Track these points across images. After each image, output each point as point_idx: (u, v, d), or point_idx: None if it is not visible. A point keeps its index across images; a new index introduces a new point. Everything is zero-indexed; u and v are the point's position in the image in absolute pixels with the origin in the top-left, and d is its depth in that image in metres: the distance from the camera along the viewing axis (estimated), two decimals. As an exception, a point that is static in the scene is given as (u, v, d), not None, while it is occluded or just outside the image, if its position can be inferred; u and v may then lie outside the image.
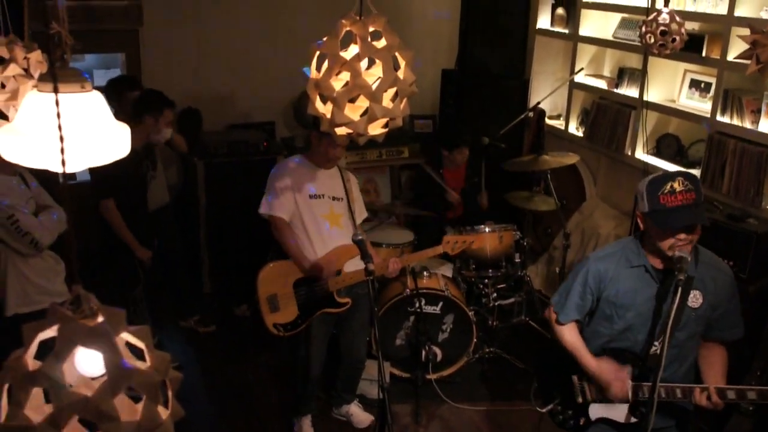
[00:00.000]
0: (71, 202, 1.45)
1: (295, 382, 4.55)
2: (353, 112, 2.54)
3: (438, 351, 5.07)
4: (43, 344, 1.11)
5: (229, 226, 5.98)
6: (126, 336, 1.10)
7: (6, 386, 1.05)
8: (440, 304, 5.02)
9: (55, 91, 1.26)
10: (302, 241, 4.19)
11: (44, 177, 3.78)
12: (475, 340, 5.14)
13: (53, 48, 1.53)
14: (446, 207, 5.88)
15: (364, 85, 2.46)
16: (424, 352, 4.91)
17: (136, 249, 4.76)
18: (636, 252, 3.00)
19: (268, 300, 4.18)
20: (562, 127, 6.85)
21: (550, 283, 6.51)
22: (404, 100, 2.61)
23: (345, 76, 2.53)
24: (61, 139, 1.19)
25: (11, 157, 1.60)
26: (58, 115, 1.21)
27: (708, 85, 5.44)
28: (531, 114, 6.64)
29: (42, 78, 1.64)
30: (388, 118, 2.57)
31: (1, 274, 3.65)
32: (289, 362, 5.08)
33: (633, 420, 3.02)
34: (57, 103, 1.23)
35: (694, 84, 5.61)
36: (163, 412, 1.12)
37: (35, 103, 1.55)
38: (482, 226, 5.25)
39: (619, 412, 3.06)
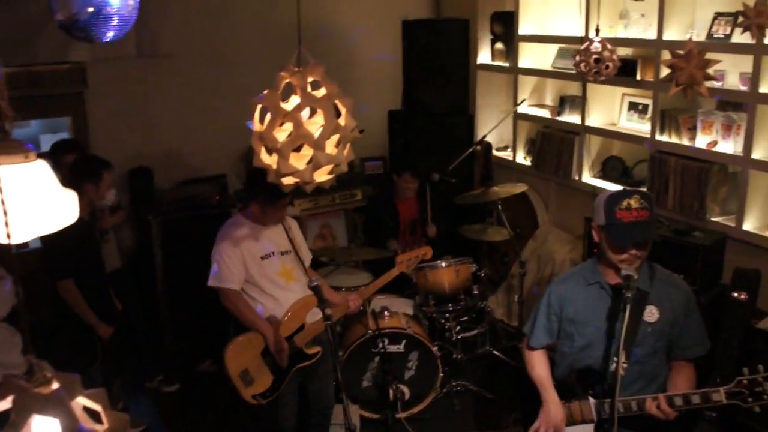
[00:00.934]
0: (23, 271, 1.47)
1: None
2: (298, 161, 2.59)
3: (405, 389, 5.08)
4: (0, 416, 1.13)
5: (187, 281, 5.92)
6: (82, 400, 1.11)
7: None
8: (403, 342, 5.04)
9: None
10: (267, 305, 4.13)
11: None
12: (441, 374, 5.17)
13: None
14: (395, 229, 5.97)
15: (307, 134, 2.52)
16: (391, 392, 4.91)
17: (98, 327, 4.55)
18: (592, 270, 3.10)
19: (241, 376, 4.07)
20: (510, 158, 6.97)
21: (511, 311, 6.58)
22: (348, 146, 2.66)
23: (288, 126, 2.58)
24: (5, 212, 1.21)
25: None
26: (0, 189, 1.23)
27: (645, 106, 5.60)
28: (478, 148, 6.74)
29: (-16, 152, 1.66)
30: (333, 165, 2.63)
31: None
32: (259, 417, 5.04)
33: None
34: (-1, 179, 1.25)
35: (633, 106, 5.77)
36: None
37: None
38: (438, 261, 5.31)
39: (587, 433, 3.11)
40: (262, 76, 2.99)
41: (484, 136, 6.59)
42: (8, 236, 1.26)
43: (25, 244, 5.05)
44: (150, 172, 6.30)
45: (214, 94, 6.60)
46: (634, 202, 2.88)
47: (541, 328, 3.24)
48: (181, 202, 5.99)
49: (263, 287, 4.11)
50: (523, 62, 6.61)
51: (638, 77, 5.35)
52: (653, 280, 2.98)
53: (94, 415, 1.14)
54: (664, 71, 5.04)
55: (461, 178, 6.42)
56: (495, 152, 7.06)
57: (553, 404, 3.12)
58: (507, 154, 7.09)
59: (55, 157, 5.09)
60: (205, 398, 5.54)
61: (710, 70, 4.30)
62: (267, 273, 4.11)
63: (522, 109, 6.69)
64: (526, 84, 6.74)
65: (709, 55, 4.33)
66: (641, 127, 5.64)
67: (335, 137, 2.59)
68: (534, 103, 6.74)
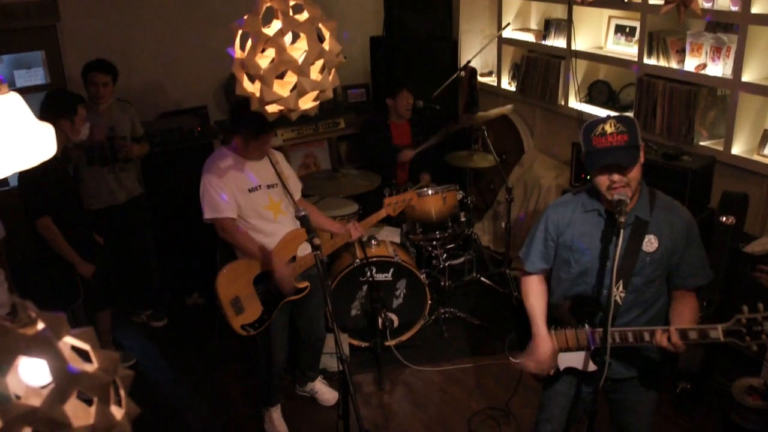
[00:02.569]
0: (3, 210, 1.41)
1: (260, 373, 4.44)
2: (282, 88, 2.51)
3: (394, 317, 5.10)
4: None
5: (171, 215, 5.89)
6: (70, 340, 1.07)
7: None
8: (391, 270, 5.04)
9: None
10: (257, 238, 4.07)
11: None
12: (429, 302, 5.18)
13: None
14: (393, 163, 5.92)
15: (291, 60, 2.43)
16: (380, 320, 4.95)
17: (78, 264, 4.48)
18: (590, 196, 3.05)
19: (232, 303, 4.03)
20: (495, 84, 6.90)
21: (498, 238, 6.59)
22: (333, 71, 2.59)
23: (270, 52, 2.49)
24: None
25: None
26: None
27: (633, 29, 5.52)
28: (462, 73, 6.65)
29: (-45, 85, 1.59)
30: (318, 91, 2.55)
31: None
32: (247, 350, 5.06)
33: (593, 368, 3.07)
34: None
35: (620, 29, 5.69)
36: (118, 412, 1.10)
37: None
38: (425, 189, 5.28)
39: (582, 361, 3.11)
40: (239, 4, 2.88)
41: (469, 62, 6.48)
42: None
43: (5, 182, 5.00)
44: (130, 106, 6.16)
45: (192, 24, 6.43)
46: (609, 127, 2.81)
47: (537, 253, 3.20)
48: (162, 134, 5.87)
49: (251, 220, 4.05)
50: (507, -16, 6.49)
51: (626, -2, 5.25)
52: (653, 208, 2.93)
53: (82, 355, 1.10)
54: (653, -9, 4.97)
55: (445, 105, 6.34)
56: (479, 78, 6.96)
57: (541, 338, 3.10)
58: (491, 80, 7.01)
59: (86, 78, 5.16)
60: (193, 332, 5.54)
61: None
62: (254, 206, 4.06)
63: (506, 33, 6.59)
64: (511, 7, 6.63)
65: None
66: (628, 50, 5.56)
67: (319, 63, 2.51)
68: (518, 27, 6.63)
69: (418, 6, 6.73)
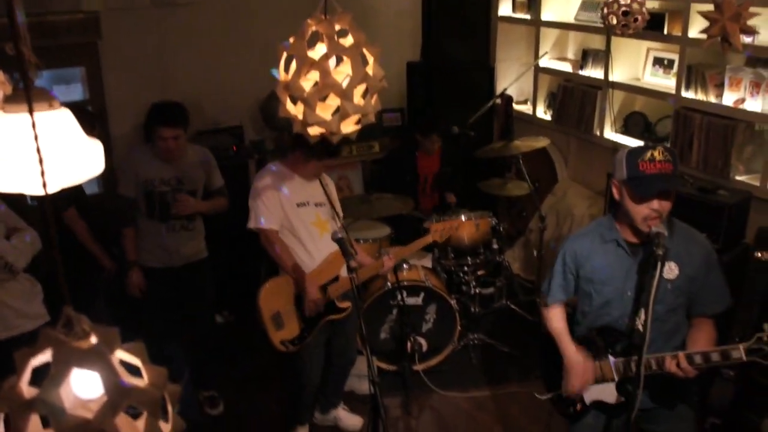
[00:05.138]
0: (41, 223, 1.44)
1: (292, 391, 4.47)
2: (325, 111, 2.54)
3: (423, 341, 5.09)
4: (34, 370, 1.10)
5: (207, 232, 5.92)
6: (121, 354, 1.09)
7: (2, 416, 1.04)
8: (422, 295, 5.04)
9: (30, 112, 1.24)
10: (298, 253, 4.12)
11: (9, 199, 3.70)
12: (459, 328, 5.17)
13: (21, 68, 1.51)
14: (411, 184, 5.94)
15: (334, 83, 2.46)
16: (409, 344, 4.94)
17: (102, 257, 4.53)
18: (609, 227, 3.06)
19: (273, 319, 4.07)
20: (530, 112, 6.89)
21: (529, 266, 6.56)
22: (375, 96, 2.61)
23: (314, 75, 2.52)
24: (41, 161, 1.18)
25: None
26: (36, 137, 1.19)
27: (671, 61, 5.50)
28: (498, 101, 6.66)
29: (9, 99, 1.61)
30: (360, 115, 2.58)
31: None
32: (276, 369, 5.07)
33: (619, 400, 3.05)
34: (33, 125, 1.21)
35: (658, 61, 5.67)
36: (164, 427, 1.12)
37: (4, 126, 1.52)
38: (458, 215, 5.28)
39: (609, 394, 3.09)
40: (279, 27, 2.92)
41: (505, 90, 6.49)
42: (44, 186, 1.22)
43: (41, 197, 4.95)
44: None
45: (231, 44, 6.51)
46: (657, 154, 2.83)
47: (557, 287, 3.23)
48: (198, 152, 5.93)
49: (298, 234, 4.10)
50: (546, 14, 6.49)
51: (665, 31, 5.24)
52: (673, 236, 2.93)
53: (132, 370, 1.12)
54: (693, 25, 4.95)
55: (480, 132, 6.35)
56: (515, 106, 6.97)
57: (572, 353, 3.11)
58: (527, 108, 7.01)
59: (152, 131, 4.43)
60: (224, 349, 5.55)
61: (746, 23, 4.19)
62: (303, 221, 4.12)
63: (543, 62, 6.59)
64: (548, 37, 6.62)
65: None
66: (666, 82, 5.54)
67: (362, 87, 2.53)
68: (555, 57, 6.63)
69: (456, 33, 6.78)
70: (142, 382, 1.09)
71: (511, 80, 6.62)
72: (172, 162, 4.39)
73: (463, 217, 5.22)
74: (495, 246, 5.45)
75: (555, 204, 6.37)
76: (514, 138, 5.78)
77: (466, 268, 5.42)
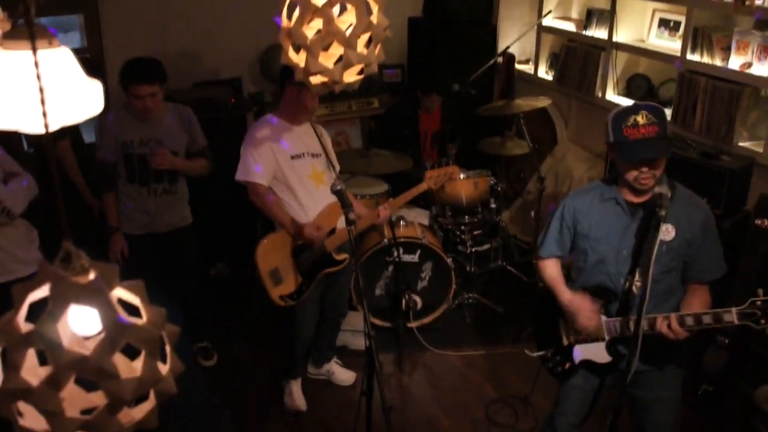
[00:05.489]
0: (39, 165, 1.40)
1: (287, 345, 4.46)
2: (327, 59, 2.49)
3: (418, 299, 5.09)
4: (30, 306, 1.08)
5: (200, 185, 5.87)
6: (119, 292, 1.06)
7: (-1, 351, 1.01)
8: (418, 252, 5.03)
9: (34, 50, 1.19)
10: (293, 205, 4.06)
11: (6, 145, 3.66)
12: (454, 286, 5.17)
13: (23, 2, 1.46)
14: (412, 139, 5.91)
15: (338, 31, 2.40)
16: (404, 301, 4.93)
17: (85, 193, 4.50)
18: (609, 186, 3.04)
19: (271, 275, 4.03)
20: (532, 72, 6.83)
21: (525, 227, 6.54)
22: (378, 46, 2.55)
23: (317, 23, 2.47)
24: (43, 102, 1.13)
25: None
26: (39, 77, 1.15)
27: (677, 23, 5.43)
28: (500, 59, 6.59)
29: (9, 35, 1.57)
30: (363, 65, 2.53)
31: None
32: (269, 322, 5.07)
33: (608, 359, 3.06)
34: (36, 64, 1.16)
35: (664, 23, 5.60)
36: (163, 368, 1.10)
37: (4, 63, 1.48)
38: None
39: (599, 353, 3.09)
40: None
41: (507, 48, 6.40)
42: (46, 126, 1.17)
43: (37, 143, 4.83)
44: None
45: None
46: (641, 119, 2.79)
47: (552, 240, 3.23)
48: (195, 103, 5.84)
49: (292, 187, 4.04)
50: (551, -28, 6.41)
51: (673, -9, 5.17)
52: (673, 199, 2.91)
53: (130, 309, 1.09)
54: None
55: (481, 90, 6.28)
56: (516, 65, 6.89)
57: (569, 295, 3.13)
58: (528, 68, 6.94)
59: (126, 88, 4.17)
60: (218, 303, 5.54)
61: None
62: (298, 173, 4.06)
63: (546, 21, 6.50)
64: (553, -5, 6.55)
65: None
66: (671, 44, 5.47)
67: (366, 36, 2.48)
68: (559, 16, 6.55)
69: (459, -11, 6.67)
70: (141, 321, 1.06)
71: (514, 39, 6.54)
72: (150, 122, 4.19)
73: (461, 176, 5.18)
74: (493, 205, 5.43)
75: (554, 165, 6.34)
76: (515, 96, 5.72)
77: (463, 227, 5.39)
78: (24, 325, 1.02)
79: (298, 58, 2.54)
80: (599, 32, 6.02)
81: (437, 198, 5.30)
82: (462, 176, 5.20)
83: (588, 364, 3.15)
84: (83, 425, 0.99)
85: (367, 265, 4.96)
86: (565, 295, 3.14)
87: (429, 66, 6.64)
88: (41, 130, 1.21)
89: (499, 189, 5.54)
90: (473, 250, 5.46)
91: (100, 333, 1.00)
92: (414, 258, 5.03)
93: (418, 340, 5.03)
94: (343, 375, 4.71)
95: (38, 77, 1.16)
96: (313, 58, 2.45)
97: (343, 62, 2.45)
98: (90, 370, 0.96)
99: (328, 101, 6.55)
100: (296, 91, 3.91)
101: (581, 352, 3.13)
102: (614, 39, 5.72)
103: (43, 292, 1.03)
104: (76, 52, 4.73)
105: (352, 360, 4.82)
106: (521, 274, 5.81)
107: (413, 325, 5.08)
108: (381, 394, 3.29)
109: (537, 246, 3.33)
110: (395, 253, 4.87)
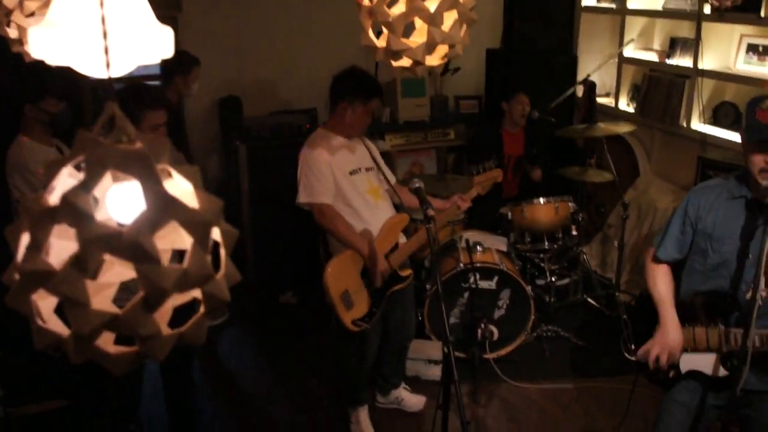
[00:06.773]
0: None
1: (349, 371, 4.22)
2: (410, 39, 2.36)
3: (494, 329, 4.81)
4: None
5: (273, 210, 5.80)
6: (170, 169, 0.90)
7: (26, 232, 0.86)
8: (495, 278, 4.79)
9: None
10: (355, 224, 3.87)
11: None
12: (533, 316, 4.89)
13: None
14: (499, 160, 5.70)
15: (422, 8, 2.27)
16: (479, 331, 4.69)
17: None
18: (738, 183, 2.77)
19: (342, 298, 3.81)
20: (612, 104, 6.62)
21: (606, 263, 6.26)
22: (465, 27, 2.41)
23: (400, 4, 2.34)
24: (106, 48, 0.99)
25: (43, 55, 1.42)
26: (103, 19, 1.01)
27: (766, 48, 5.17)
28: (581, 87, 6.40)
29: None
30: (447, 48, 2.38)
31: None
32: (339, 349, 4.90)
33: (723, 373, 2.77)
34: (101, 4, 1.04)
35: (752, 48, 5.35)
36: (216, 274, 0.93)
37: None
38: (537, 198, 5.05)
39: (708, 364, 2.81)
40: (355, 15, 2.70)
41: (588, 75, 6.21)
42: (108, 66, 1.04)
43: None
44: (239, 102, 6.16)
45: (310, 26, 6.43)
46: None
47: (672, 240, 2.94)
48: (270, 129, 5.86)
49: (353, 204, 3.87)
50: (632, 3, 6.22)
51: (762, 14, 4.92)
52: None
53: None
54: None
55: (561, 119, 6.09)
56: (596, 98, 6.69)
57: (672, 324, 2.83)
58: (609, 101, 6.73)
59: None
60: (286, 329, 5.40)
61: None
62: (357, 189, 3.90)
63: (627, 52, 6.31)
64: (633, 26, 6.34)
65: None
66: (761, 70, 5.21)
67: (452, 14, 2.33)
68: (641, 47, 6.35)
69: (539, 20, 6.55)
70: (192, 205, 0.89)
71: (594, 68, 6.35)
72: None
73: (541, 200, 4.98)
74: (574, 232, 5.18)
75: (637, 197, 6.06)
76: (598, 121, 5.53)
77: (542, 255, 5.16)
78: (53, 201, 0.86)
79: (378, 41, 2.41)
80: (683, 60, 5.78)
81: (516, 223, 5.10)
82: (542, 201, 5.00)
83: (696, 376, 2.87)
84: (111, 321, 0.82)
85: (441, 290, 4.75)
86: (670, 317, 2.86)
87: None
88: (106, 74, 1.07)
89: (580, 218, 5.29)
90: (552, 279, 5.20)
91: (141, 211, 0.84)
92: (491, 285, 4.79)
93: (493, 371, 4.76)
94: (413, 400, 4.47)
95: (102, 21, 1.03)
96: (395, 37, 2.31)
97: (426, 41, 2.31)
98: (125, 249, 0.79)
99: (403, 131, 6.47)
100: (351, 108, 3.83)
101: (690, 361, 2.84)
102: (699, 66, 5.48)
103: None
104: (152, 77, 4.77)
105: (425, 391, 4.57)
106: (603, 308, 5.52)
107: (489, 356, 4.82)
108: (458, 405, 3.03)
109: (654, 245, 3.05)
110: (471, 279, 4.65)
